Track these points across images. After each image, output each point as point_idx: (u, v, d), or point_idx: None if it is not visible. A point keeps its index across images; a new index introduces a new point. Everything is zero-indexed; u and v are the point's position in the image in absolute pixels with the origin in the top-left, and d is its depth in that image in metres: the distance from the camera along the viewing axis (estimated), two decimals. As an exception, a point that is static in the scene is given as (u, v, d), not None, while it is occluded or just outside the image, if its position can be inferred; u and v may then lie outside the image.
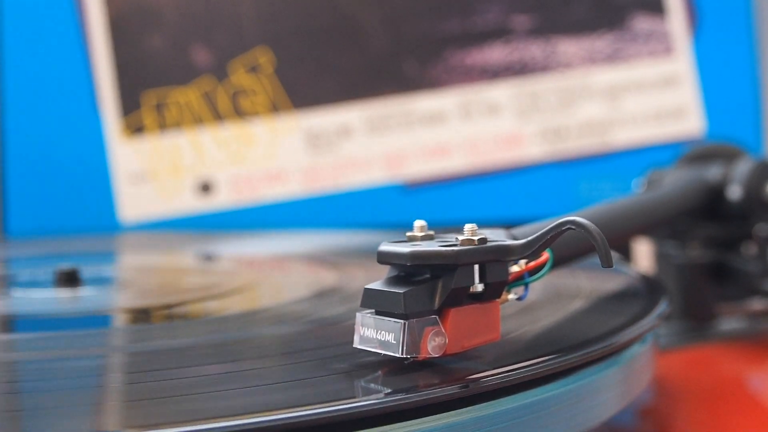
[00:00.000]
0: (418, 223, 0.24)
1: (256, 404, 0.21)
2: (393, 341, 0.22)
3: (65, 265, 0.37)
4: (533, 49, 0.61)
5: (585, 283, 0.35)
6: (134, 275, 0.44)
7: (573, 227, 0.22)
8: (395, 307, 0.22)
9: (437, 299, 0.22)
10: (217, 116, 0.60)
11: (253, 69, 0.60)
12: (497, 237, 0.24)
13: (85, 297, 0.35)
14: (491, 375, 0.22)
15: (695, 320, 0.43)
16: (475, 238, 0.23)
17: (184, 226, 0.59)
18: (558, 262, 0.27)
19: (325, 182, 0.60)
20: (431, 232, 0.24)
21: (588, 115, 0.60)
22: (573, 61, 0.61)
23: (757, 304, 0.45)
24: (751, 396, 0.37)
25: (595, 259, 0.23)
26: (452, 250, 0.22)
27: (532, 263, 0.25)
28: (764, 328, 0.43)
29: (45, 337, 0.29)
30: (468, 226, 0.23)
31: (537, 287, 0.32)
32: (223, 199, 0.60)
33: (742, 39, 0.61)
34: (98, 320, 0.33)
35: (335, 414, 0.20)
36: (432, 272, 0.23)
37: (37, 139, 0.59)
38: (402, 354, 0.22)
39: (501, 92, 0.60)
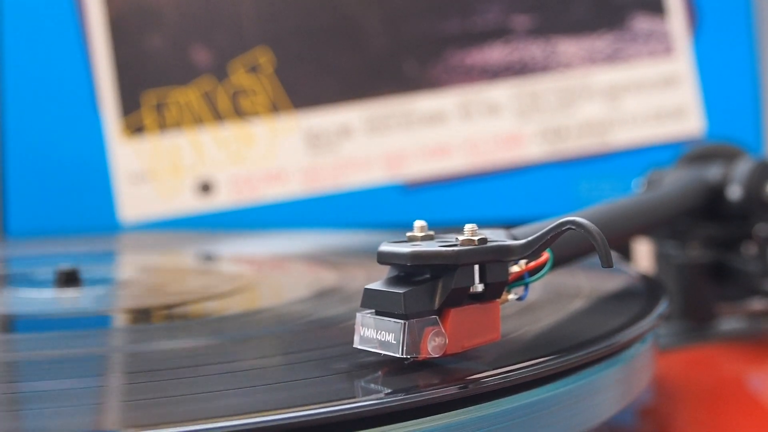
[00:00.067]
0: (418, 223, 0.24)
1: (256, 404, 0.21)
2: (393, 341, 0.22)
3: (65, 265, 0.37)
4: (533, 49, 0.61)
5: (585, 283, 0.35)
6: (134, 275, 0.44)
7: (573, 227, 0.22)
8: (395, 308, 0.22)
9: (437, 299, 0.22)
10: (217, 116, 0.60)
11: (253, 69, 0.60)
12: (497, 237, 0.24)
13: (85, 297, 0.35)
14: (491, 375, 0.22)
15: (695, 320, 0.43)
16: (475, 238, 0.23)
17: (184, 226, 0.59)
18: (558, 262, 0.27)
19: (325, 182, 0.60)
20: (431, 233, 0.24)
21: (588, 115, 0.60)
22: (573, 61, 0.61)
23: (757, 304, 0.45)
24: (751, 396, 0.37)
25: (595, 259, 0.23)
26: (452, 250, 0.22)
27: (532, 263, 0.25)
28: (764, 328, 0.43)
29: (45, 337, 0.29)
30: (468, 227, 0.23)
31: (537, 287, 0.32)
32: (223, 199, 0.60)
33: (742, 39, 0.61)
34: (98, 320, 0.33)
35: (335, 414, 0.20)
36: (432, 272, 0.23)
37: (37, 139, 0.59)
38: (402, 354, 0.22)
39: (501, 92, 0.60)
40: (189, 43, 0.60)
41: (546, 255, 0.25)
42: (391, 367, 0.23)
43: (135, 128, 0.59)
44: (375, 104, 0.60)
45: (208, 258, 0.45)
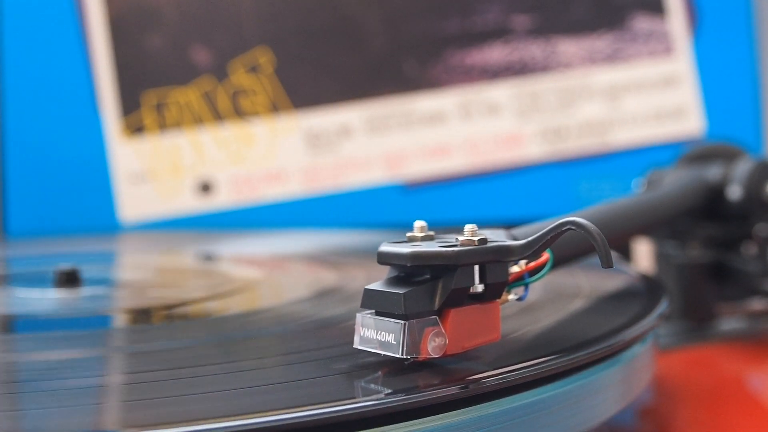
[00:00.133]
0: (418, 223, 0.24)
1: (256, 404, 0.21)
2: (393, 342, 0.22)
3: (65, 265, 0.37)
4: (533, 49, 0.61)
5: (585, 283, 0.35)
6: (134, 275, 0.44)
7: (573, 228, 0.22)
8: (395, 308, 0.22)
9: (437, 300, 0.22)
10: (217, 116, 0.60)
11: (253, 69, 0.60)
12: (497, 237, 0.24)
13: (85, 297, 0.35)
14: (491, 375, 0.22)
15: (695, 320, 0.43)
16: (475, 238, 0.23)
17: (184, 226, 0.59)
18: (558, 263, 0.27)
19: (325, 182, 0.60)
20: (431, 233, 0.24)
21: (588, 115, 0.60)
22: (573, 61, 0.61)
23: (757, 304, 0.45)
24: (751, 396, 0.37)
25: (595, 259, 0.23)
26: (452, 250, 0.22)
27: (533, 264, 0.25)
28: (764, 328, 0.43)
29: (45, 337, 0.29)
30: (468, 227, 0.23)
31: (537, 287, 0.32)
32: (223, 199, 0.60)
33: (742, 39, 0.61)
34: (98, 320, 0.33)
35: (335, 414, 0.20)
36: (432, 273, 0.23)
37: (37, 139, 0.59)
38: (402, 354, 0.22)
39: (501, 92, 0.60)
40: (189, 43, 0.60)
41: (546, 255, 0.25)
42: (391, 368, 0.23)
43: (135, 128, 0.59)
44: (375, 104, 0.60)
45: (208, 258, 0.45)
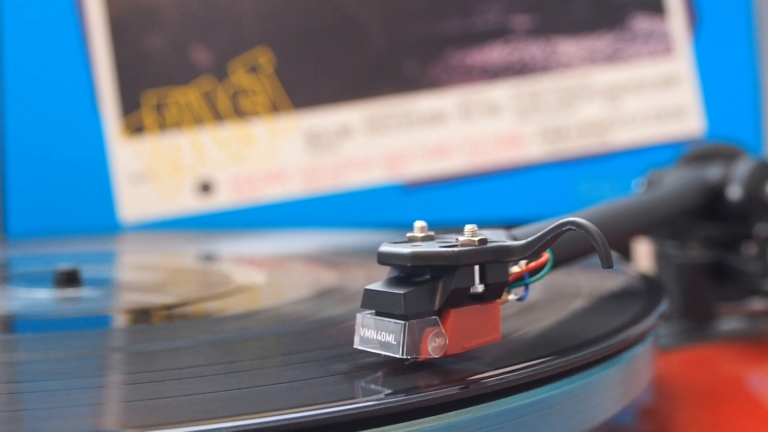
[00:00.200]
0: (419, 223, 0.24)
1: (256, 404, 0.21)
2: (393, 342, 0.22)
3: (65, 265, 0.37)
4: (533, 49, 0.61)
5: (585, 283, 0.35)
6: (134, 275, 0.44)
7: (573, 228, 0.22)
8: (395, 308, 0.22)
9: (437, 300, 0.22)
10: (217, 116, 0.60)
11: (253, 69, 0.60)
12: (497, 237, 0.24)
13: (85, 297, 0.35)
14: (491, 375, 0.22)
15: (695, 320, 0.43)
16: (476, 238, 0.23)
17: (184, 226, 0.59)
18: (558, 263, 0.27)
19: (325, 182, 0.60)
20: (431, 233, 0.24)
21: (588, 115, 0.60)
22: (573, 61, 0.61)
23: (757, 304, 0.45)
24: (751, 396, 0.37)
25: (595, 259, 0.23)
26: (453, 250, 0.22)
27: (533, 264, 0.25)
28: (764, 328, 0.43)
29: (45, 337, 0.29)
30: (468, 227, 0.23)
31: (537, 287, 0.32)
32: (223, 199, 0.60)
33: (742, 39, 0.61)
34: (98, 321, 0.33)
35: (335, 415, 0.20)
36: (432, 273, 0.23)
37: (37, 139, 0.59)
38: (402, 355, 0.22)
39: (501, 92, 0.60)
40: (189, 43, 0.60)
41: (546, 255, 0.25)
42: (392, 368, 0.23)
43: (135, 128, 0.59)
44: (375, 104, 0.60)
45: (208, 258, 0.45)
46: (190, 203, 0.59)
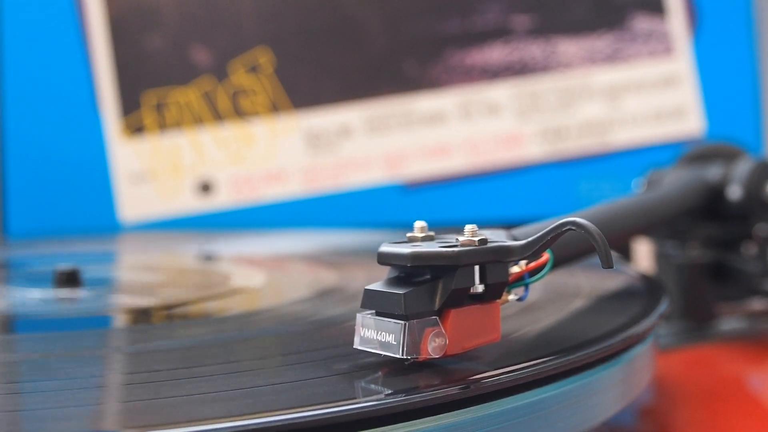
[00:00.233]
0: (419, 223, 0.24)
1: (256, 405, 0.21)
2: (393, 342, 0.22)
3: (65, 265, 0.37)
4: (533, 49, 0.61)
5: (585, 283, 0.35)
6: (134, 275, 0.44)
7: (573, 228, 0.22)
8: (395, 308, 0.22)
9: (437, 300, 0.22)
10: (217, 116, 0.60)
11: (253, 69, 0.60)
12: (497, 238, 0.24)
13: (85, 297, 0.35)
14: (491, 375, 0.22)
15: (695, 320, 0.43)
16: (476, 238, 0.23)
17: (184, 226, 0.59)
18: (558, 263, 0.27)
19: (325, 182, 0.60)
20: (431, 233, 0.24)
21: (588, 115, 0.60)
22: (573, 61, 0.61)
23: (757, 304, 0.45)
24: (751, 396, 0.37)
25: (595, 259, 0.23)
26: (453, 251, 0.22)
27: (533, 264, 0.25)
28: (764, 328, 0.43)
29: (45, 337, 0.29)
30: (468, 227, 0.23)
31: (537, 287, 0.32)
32: (223, 199, 0.60)
33: (742, 39, 0.61)
34: (98, 321, 0.33)
35: (335, 415, 0.20)
36: (432, 273, 0.23)
37: (37, 139, 0.59)
38: (402, 355, 0.22)
39: (501, 92, 0.60)
40: (189, 43, 0.60)
41: (546, 255, 0.25)
42: (392, 368, 0.23)
43: (135, 128, 0.59)
44: (375, 104, 0.60)
45: (208, 258, 0.45)
46: (190, 203, 0.59)
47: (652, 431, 0.35)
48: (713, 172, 0.42)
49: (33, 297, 0.36)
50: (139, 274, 0.44)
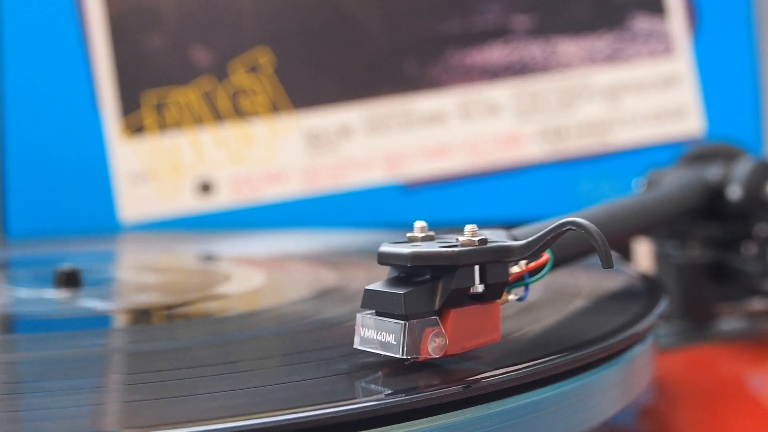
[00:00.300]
0: (419, 223, 0.24)
1: (256, 405, 0.21)
2: (393, 342, 0.22)
3: (65, 265, 0.37)
4: (533, 49, 0.61)
5: (585, 283, 0.35)
6: (134, 276, 0.44)
7: (573, 228, 0.22)
8: (396, 308, 0.22)
9: (437, 300, 0.22)
10: (217, 116, 0.60)
11: (253, 69, 0.60)
12: (497, 238, 0.24)
13: (85, 297, 0.35)
14: (491, 375, 0.22)
15: (695, 320, 0.43)
16: (476, 238, 0.23)
17: (184, 226, 0.59)
18: (558, 263, 0.27)
19: (325, 182, 0.60)
20: (431, 233, 0.24)
21: (588, 115, 0.60)
22: (573, 61, 0.61)
23: (757, 304, 0.45)
24: (751, 396, 0.37)
25: (595, 259, 0.23)
26: (453, 251, 0.22)
27: (533, 264, 0.25)
28: (764, 328, 0.43)
29: (45, 337, 0.29)
30: (468, 227, 0.23)
31: (537, 287, 0.32)
32: (223, 199, 0.60)
33: (742, 39, 0.61)
34: (98, 321, 0.33)
35: (336, 415, 0.20)
36: (432, 273, 0.23)
37: (37, 139, 0.59)
38: (402, 355, 0.22)
39: (501, 92, 0.60)
40: (189, 43, 0.60)
41: (546, 255, 0.25)
42: (392, 368, 0.23)
43: (135, 128, 0.59)
44: (375, 104, 0.60)
45: (208, 258, 0.45)
46: (190, 203, 0.59)
47: (652, 431, 0.35)
48: (713, 172, 0.42)
49: (33, 297, 0.36)
50: (139, 274, 0.44)
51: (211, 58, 0.60)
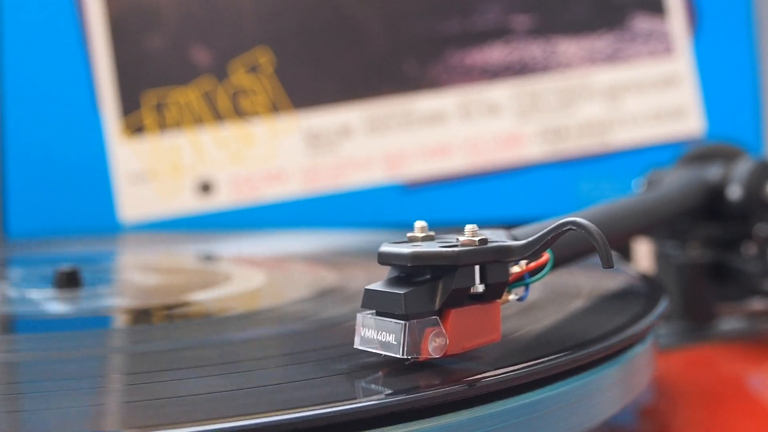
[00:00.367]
0: (419, 223, 0.24)
1: (257, 405, 0.21)
2: (394, 342, 0.22)
3: (65, 265, 0.37)
4: (533, 49, 0.61)
5: (585, 283, 0.35)
6: (134, 275, 0.44)
7: (574, 228, 0.22)
8: (396, 308, 0.22)
9: (438, 300, 0.22)
10: (217, 116, 0.60)
11: (253, 69, 0.60)
12: (498, 237, 0.24)
13: (85, 297, 0.35)
14: (491, 375, 0.22)
15: (695, 320, 0.43)
16: (476, 238, 0.23)
17: (184, 226, 0.59)
18: (558, 263, 0.27)
19: (325, 182, 0.60)
20: (432, 233, 0.24)
21: (588, 115, 0.60)
22: (573, 61, 0.61)
23: (757, 304, 0.45)
24: (751, 396, 0.37)
25: (596, 259, 0.23)
26: (453, 251, 0.22)
27: (533, 264, 0.25)
28: (764, 328, 0.43)
29: (45, 337, 0.29)
30: (468, 227, 0.23)
31: (537, 287, 0.32)
32: (223, 199, 0.60)
33: (742, 39, 0.61)
34: (98, 321, 0.33)
35: (336, 415, 0.20)
36: (432, 273, 0.23)
37: (37, 139, 0.59)
38: (403, 355, 0.22)
39: (501, 92, 0.60)
40: (189, 43, 0.60)
41: (546, 255, 0.25)
42: (392, 368, 0.23)
43: (135, 128, 0.59)
44: (375, 104, 0.60)
45: (208, 258, 0.45)
46: (190, 203, 0.59)
47: (652, 431, 0.35)
48: (713, 172, 0.42)
49: (33, 297, 0.36)
50: (139, 274, 0.44)
51: (211, 58, 0.60)
